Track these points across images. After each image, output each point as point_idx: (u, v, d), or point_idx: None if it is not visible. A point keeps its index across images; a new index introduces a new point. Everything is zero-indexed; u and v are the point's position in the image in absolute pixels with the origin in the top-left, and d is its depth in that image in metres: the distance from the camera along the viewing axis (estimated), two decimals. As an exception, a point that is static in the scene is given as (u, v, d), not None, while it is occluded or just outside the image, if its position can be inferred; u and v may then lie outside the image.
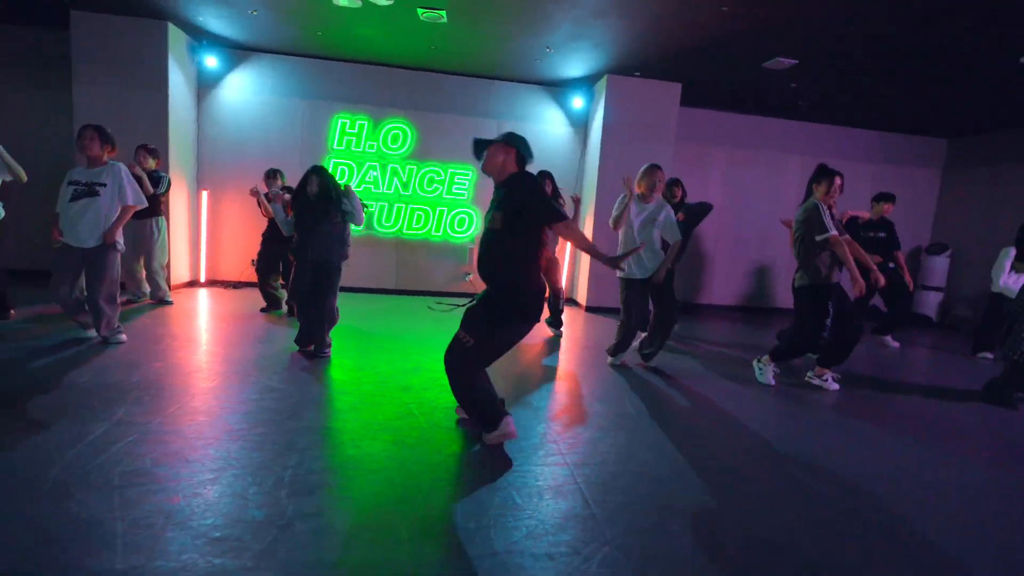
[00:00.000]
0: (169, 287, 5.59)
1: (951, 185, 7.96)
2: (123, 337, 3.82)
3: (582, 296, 6.84)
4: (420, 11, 4.80)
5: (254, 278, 6.66)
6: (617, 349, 4.09)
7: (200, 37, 5.98)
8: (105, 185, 3.63)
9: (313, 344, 3.87)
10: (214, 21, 5.46)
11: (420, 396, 3.13)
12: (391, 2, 4.52)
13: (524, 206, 2.37)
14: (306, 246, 3.73)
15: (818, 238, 3.65)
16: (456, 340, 2.45)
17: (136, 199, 3.75)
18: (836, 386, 3.94)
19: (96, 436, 2.33)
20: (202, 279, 6.42)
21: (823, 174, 3.75)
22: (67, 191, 3.60)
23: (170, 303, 5.25)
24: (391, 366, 3.70)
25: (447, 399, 3.07)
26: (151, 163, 5.00)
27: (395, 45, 5.81)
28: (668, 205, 3.93)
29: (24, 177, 4.18)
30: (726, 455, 2.68)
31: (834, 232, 3.61)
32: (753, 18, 4.43)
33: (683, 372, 4.10)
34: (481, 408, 2.46)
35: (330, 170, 6.47)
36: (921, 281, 7.70)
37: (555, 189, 4.82)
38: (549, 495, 2.12)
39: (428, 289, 6.87)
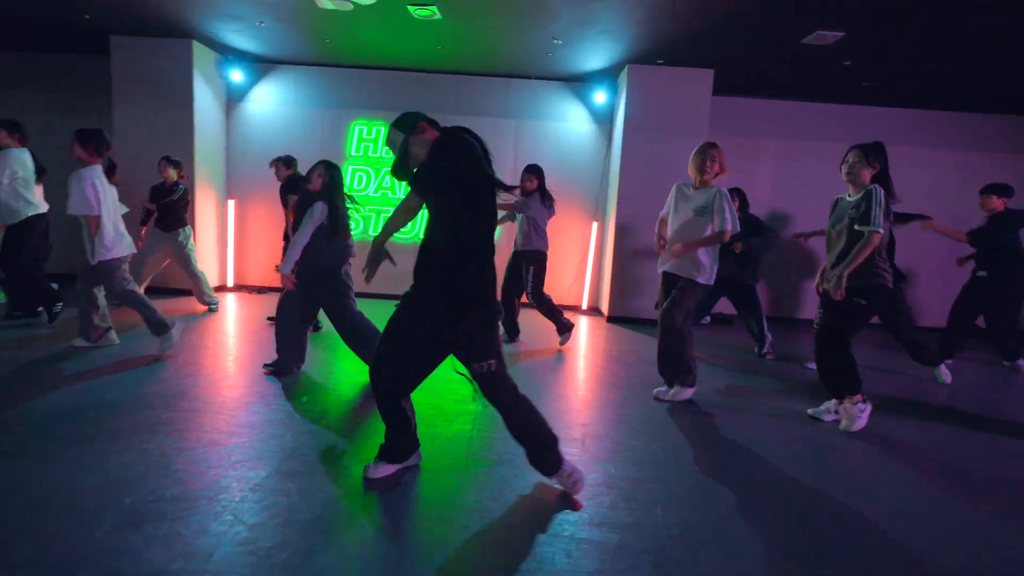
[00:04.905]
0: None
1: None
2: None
3: (604, 305, 6.35)
4: (411, 8, 4.64)
5: (278, 283, 6.86)
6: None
7: (226, 53, 6.25)
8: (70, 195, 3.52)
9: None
10: (232, 36, 5.66)
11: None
12: (374, 0, 4.41)
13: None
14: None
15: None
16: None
17: (73, 208, 3.50)
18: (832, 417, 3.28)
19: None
20: (229, 284, 6.69)
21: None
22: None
23: (213, 309, 5.36)
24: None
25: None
26: (172, 174, 5.12)
27: (402, 48, 5.71)
28: (722, 190, 3.22)
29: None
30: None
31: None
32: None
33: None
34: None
35: (347, 177, 6.59)
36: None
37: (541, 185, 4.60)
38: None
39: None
